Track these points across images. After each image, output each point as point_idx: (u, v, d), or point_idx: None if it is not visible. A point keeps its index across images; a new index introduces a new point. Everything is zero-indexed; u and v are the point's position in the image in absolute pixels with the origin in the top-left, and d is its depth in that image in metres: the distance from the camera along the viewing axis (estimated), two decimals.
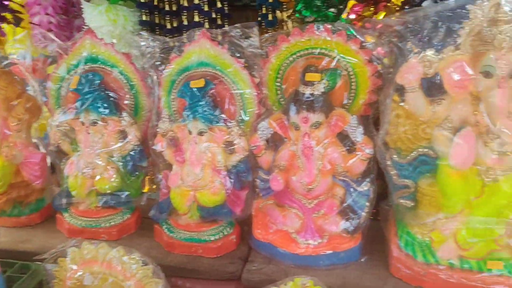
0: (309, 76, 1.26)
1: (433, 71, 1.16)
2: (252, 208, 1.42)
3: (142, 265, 1.19)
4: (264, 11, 1.63)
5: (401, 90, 1.21)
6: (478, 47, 1.12)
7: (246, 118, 1.36)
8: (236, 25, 1.33)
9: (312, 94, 1.26)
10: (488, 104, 1.12)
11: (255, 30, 1.32)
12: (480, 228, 1.17)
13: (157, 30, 1.67)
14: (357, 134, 1.29)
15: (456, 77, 1.15)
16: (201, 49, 1.33)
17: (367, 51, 1.28)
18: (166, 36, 1.63)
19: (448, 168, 1.17)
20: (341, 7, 1.57)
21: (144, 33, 1.43)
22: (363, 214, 1.32)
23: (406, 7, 1.54)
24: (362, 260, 1.35)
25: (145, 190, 1.67)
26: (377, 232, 1.40)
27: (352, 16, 1.52)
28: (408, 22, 1.24)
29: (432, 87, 1.20)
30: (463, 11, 1.14)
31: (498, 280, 1.17)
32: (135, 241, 1.51)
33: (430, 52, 1.16)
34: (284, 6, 1.61)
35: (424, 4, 1.44)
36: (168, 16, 1.63)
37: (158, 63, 1.39)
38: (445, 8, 1.18)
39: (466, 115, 1.16)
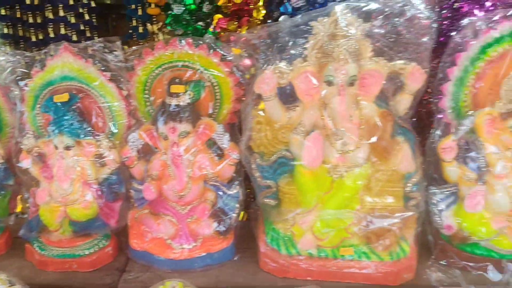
0: (174, 88, 1.32)
1: (286, 81, 1.28)
2: (127, 219, 1.44)
3: (10, 286, 1.16)
4: (134, 24, 1.66)
5: (259, 99, 1.32)
6: (321, 59, 1.26)
7: (116, 131, 1.38)
8: (99, 39, 1.35)
9: (178, 105, 1.32)
10: (331, 110, 1.26)
11: (118, 44, 1.35)
12: (332, 219, 1.32)
13: (22, 43, 1.61)
14: (224, 141, 1.38)
15: (305, 86, 1.28)
16: (64, 63, 1.33)
17: (227, 63, 1.37)
18: (32, 49, 1.58)
19: (302, 167, 1.30)
20: (209, 20, 1.65)
21: (3, 48, 1.38)
22: (234, 215, 1.41)
23: (269, 21, 1.68)
24: (235, 258, 1.44)
25: (18, 209, 1.60)
26: (250, 232, 1.50)
27: (218, 30, 1.62)
28: (263, 37, 1.36)
29: (287, 96, 1.34)
30: (308, 27, 1.28)
31: (350, 264, 1.33)
32: (5, 262, 1.45)
33: (282, 64, 1.28)
34: (154, 19, 1.66)
35: (280, 19, 1.58)
36: (32, 28, 1.59)
37: (19, 78, 1.35)
38: (294, 24, 1.32)
39: (315, 120, 1.30)
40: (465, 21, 1.30)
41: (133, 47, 1.40)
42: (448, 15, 1.57)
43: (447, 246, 1.38)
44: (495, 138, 1.28)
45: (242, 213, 1.58)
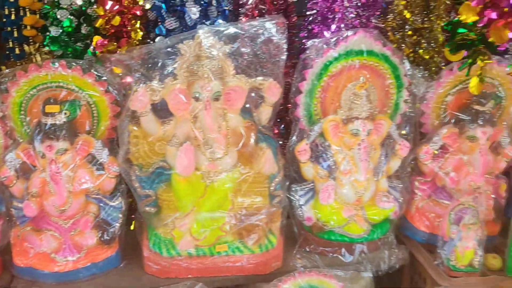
0: (49, 108, 1.38)
1: (159, 98, 1.41)
2: (10, 237, 1.46)
3: None
4: (11, 45, 1.68)
5: (134, 115, 1.43)
6: (189, 77, 1.40)
7: None
8: None
9: (53, 124, 1.38)
10: (200, 122, 1.41)
11: None
12: (207, 220, 1.47)
13: None
14: (103, 156, 1.47)
15: (175, 102, 1.42)
16: None
17: (102, 83, 1.46)
18: None
19: (177, 176, 1.43)
20: (88, 41, 1.72)
21: None
22: (117, 225, 1.50)
23: (149, 41, 1.79)
24: (121, 265, 1.53)
25: None
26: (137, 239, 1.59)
27: (98, 50, 1.69)
28: (138, 57, 1.47)
29: (162, 111, 1.46)
30: (175, 49, 1.42)
31: (225, 259, 1.48)
32: None
33: (154, 82, 1.41)
34: (31, 40, 1.69)
35: (156, 40, 1.70)
36: None
37: None
38: (163, 46, 1.45)
39: (187, 132, 1.43)
40: (309, 42, 1.53)
41: (6, 70, 1.43)
42: (305, 35, 1.82)
43: (308, 235, 1.59)
44: (339, 141, 1.52)
45: (134, 222, 1.68)
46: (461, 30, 1.23)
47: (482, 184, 1.57)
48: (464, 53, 1.36)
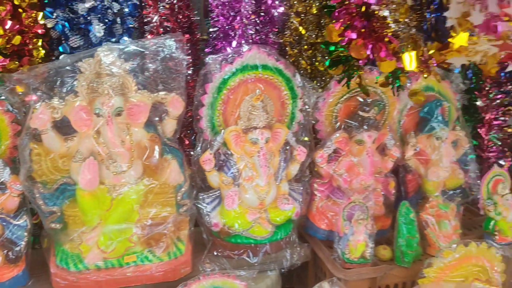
0: None
1: (60, 115, 1.43)
2: None
3: None
4: None
5: (35, 133, 1.45)
6: (90, 94, 1.44)
7: None
8: None
9: None
10: (104, 138, 1.46)
11: None
12: (114, 233, 1.50)
13: None
14: (5, 175, 1.46)
15: (77, 118, 1.45)
16: None
17: (1, 102, 1.46)
18: None
19: (81, 190, 1.46)
20: None
21: None
22: (23, 243, 1.49)
23: (54, 58, 1.80)
24: (29, 283, 1.52)
25: None
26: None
27: None
28: (38, 76, 1.49)
29: (64, 127, 1.49)
30: (76, 67, 1.46)
31: (134, 269, 1.52)
32: None
33: (55, 99, 1.43)
34: None
35: (60, 58, 1.72)
36: None
37: None
38: (64, 64, 1.48)
39: (91, 147, 1.47)
40: (208, 58, 1.63)
41: None
42: (210, 50, 1.91)
43: (217, 240, 1.67)
44: (241, 149, 1.62)
45: (46, 240, 1.66)
46: (331, 48, 1.38)
47: (371, 182, 1.74)
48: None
